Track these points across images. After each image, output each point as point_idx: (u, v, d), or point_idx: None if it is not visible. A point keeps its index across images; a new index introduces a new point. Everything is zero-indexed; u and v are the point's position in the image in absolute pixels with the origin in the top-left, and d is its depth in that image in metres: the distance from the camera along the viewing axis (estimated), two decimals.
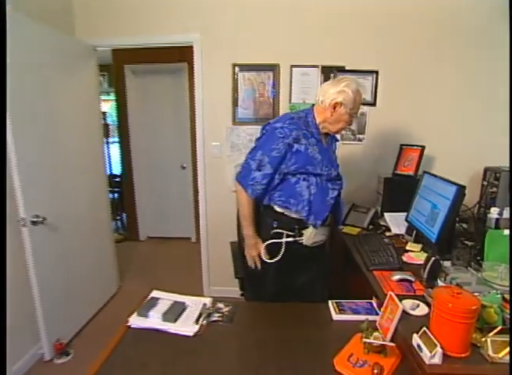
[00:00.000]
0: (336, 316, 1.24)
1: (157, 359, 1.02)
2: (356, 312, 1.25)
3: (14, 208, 1.82)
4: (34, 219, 1.89)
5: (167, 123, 4.02)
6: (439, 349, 0.86)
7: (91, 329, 2.43)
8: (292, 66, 2.43)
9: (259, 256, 1.56)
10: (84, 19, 2.52)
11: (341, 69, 2.40)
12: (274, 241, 1.52)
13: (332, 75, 2.40)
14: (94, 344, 2.22)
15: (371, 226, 2.13)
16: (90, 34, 2.52)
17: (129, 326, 1.17)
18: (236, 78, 2.46)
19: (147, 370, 0.98)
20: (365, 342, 0.99)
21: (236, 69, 2.45)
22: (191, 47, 2.47)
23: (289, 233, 1.52)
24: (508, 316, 0.98)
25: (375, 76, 2.40)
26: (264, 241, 1.55)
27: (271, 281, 1.59)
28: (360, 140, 2.50)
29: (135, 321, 1.18)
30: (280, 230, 1.52)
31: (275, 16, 2.38)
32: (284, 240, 1.52)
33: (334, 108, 1.47)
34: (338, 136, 1.78)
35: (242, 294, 2.00)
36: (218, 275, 2.82)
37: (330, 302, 1.32)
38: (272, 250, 1.54)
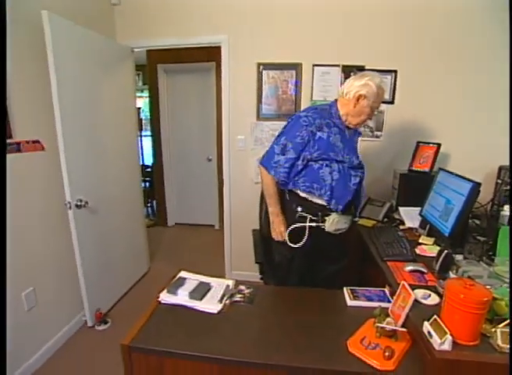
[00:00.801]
0: (350, 302, 1.24)
1: (184, 331, 1.06)
2: (369, 298, 1.24)
3: (61, 192, 1.91)
4: (78, 203, 1.97)
5: (195, 118, 4.06)
6: (449, 336, 0.85)
7: (126, 302, 2.53)
8: (314, 65, 2.39)
9: (283, 240, 1.56)
10: (123, 24, 2.57)
11: (361, 69, 2.34)
12: (297, 225, 1.52)
13: (352, 74, 2.35)
14: (128, 315, 2.32)
15: (385, 220, 2.10)
16: (128, 37, 2.57)
17: (159, 302, 1.21)
18: (260, 76, 2.45)
19: (175, 340, 1.02)
20: (378, 326, 0.98)
21: (261, 67, 2.44)
22: (219, 47, 2.48)
23: (313, 218, 1.52)
24: None
25: (393, 75, 2.32)
26: (289, 226, 1.55)
27: (295, 268, 1.60)
28: (377, 136, 2.44)
29: (165, 297, 1.22)
30: (304, 214, 1.52)
31: (298, 17, 2.34)
32: (307, 224, 1.51)
33: (357, 100, 1.48)
34: (361, 129, 1.79)
35: (261, 278, 2.02)
36: (239, 260, 2.86)
37: (345, 289, 1.32)
38: (296, 236, 1.54)
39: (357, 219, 2.07)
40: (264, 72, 2.44)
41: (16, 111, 1.68)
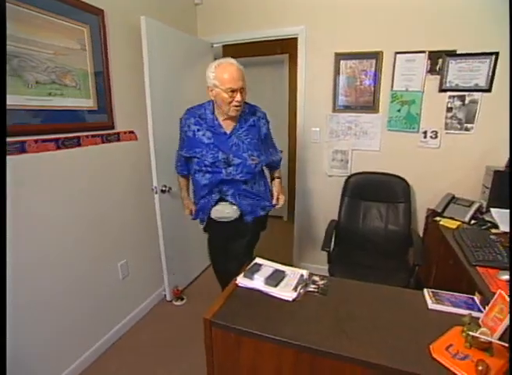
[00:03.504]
0: (432, 305, 1.15)
1: (260, 314, 1.10)
2: (455, 304, 1.13)
3: (150, 179, 2.12)
4: (163, 188, 2.16)
5: (267, 110, 4.04)
6: None
7: (200, 282, 2.72)
8: (396, 53, 2.21)
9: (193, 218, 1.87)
10: (204, 21, 2.70)
11: (451, 54, 2.10)
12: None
13: (440, 60, 2.12)
14: (202, 294, 2.50)
15: (473, 221, 1.88)
16: (208, 33, 2.69)
17: (237, 285, 1.27)
18: (338, 67, 2.35)
19: (253, 322, 1.06)
20: (469, 335, 0.89)
21: (338, 57, 2.34)
22: (293, 39, 2.45)
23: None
24: None
25: (493, 58, 2.03)
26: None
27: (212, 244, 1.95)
28: (467, 129, 2.17)
29: (242, 281, 1.28)
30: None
31: (377, 2, 2.18)
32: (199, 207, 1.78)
33: (211, 91, 1.53)
34: (260, 114, 1.84)
35: (329, 269, 2.00)
36: (308, 252, 2.85)
37: (425, 290, 1.23)
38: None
39: (438, 219, 1.90)
40: (342, 62, 2.34)
41: (117, 106, 1.90)
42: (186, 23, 2.59)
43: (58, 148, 1.55)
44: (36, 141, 1.44)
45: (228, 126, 1.61)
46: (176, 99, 2.28)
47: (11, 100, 1.32)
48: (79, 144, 1.66)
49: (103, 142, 1.81)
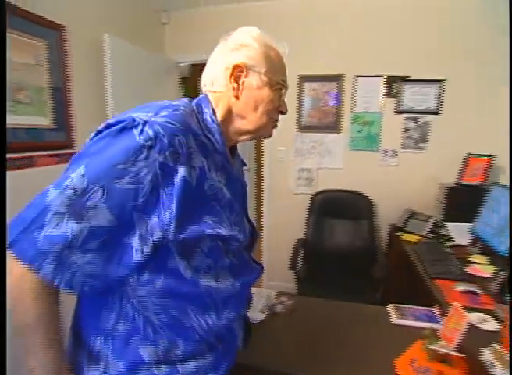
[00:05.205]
0: (396, 320, 1.19)
1: None
2: (418, 318, 1.18)
3: None
4: None
5: None
6: None
7: None
8: (356, 77, 2.37)
9: None
10: (171, 40, 2.73)
11: (405, 79, 2.28)
12: None
13: (396, 84, 2.29)
14: None
15: (431, 235, 2.00)
16: (175, 52, 2.72)
17: None
18: (302, 89, 2.47)
19: None
20: (429, 348, 0.93)
21: (302, 80, 2.45)
22: None
23: None
24: None
25: (441, 84, 2.23)
26: None
27: None
28: (422, 148, 2.34)
29: None
30: None
31: (339, 28, 2.34)
32: None
33: (237, 79, 0.70)
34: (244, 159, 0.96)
35: (297, 288, 2.01)
36: (276, 271, 2.84)
37: (389, 306, 1.27)
38: None
39: (399, 233, 1.99)
40: (305, 84, 2.45)
41: (79, 124, 1.83)
42: (153, 41, 2.60)
43: (9, 168, 1.46)
44: None
45: None
46: None
47: None
48: (31, 165, 1.57)
49: (59, 162, 1.72)
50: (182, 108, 0.65)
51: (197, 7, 2.58)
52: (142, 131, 0.56)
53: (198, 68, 4.28)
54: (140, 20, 2.40)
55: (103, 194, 0.54)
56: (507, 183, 1.62)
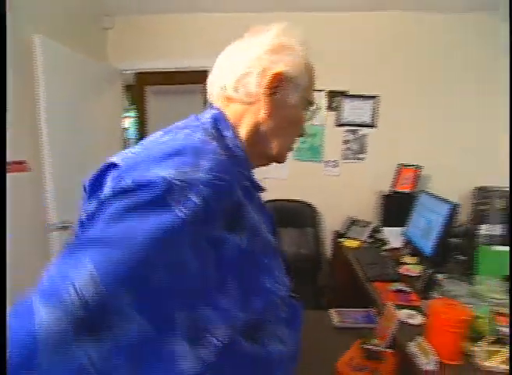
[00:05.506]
0: (337, 323, 1.25)
1: None
2: (357, 320, 1.26)
3: (44, 213, 1.88)
4: (65, 224, 1.94)
5: None
6: (434, 357, 0.87)
7: None
8: None
9: None
10: (115, 46, 2.62)
11: (345, 94, 2.45)
12: None
13: (337, 98, 2.46)
14: None
15: (370, 240, 2.14)
16: (119, 59, 2.61)
17: None
18: None
19: None
20: (364, 348, 1.00)
21: None
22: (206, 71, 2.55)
23: None
24: (498, 328, 0.99)
25: (375, 100, 2.44)
26: None
27: None
28: (360, 158, 2.52)
29: None
30: None
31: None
32: None
33: (273, 90, 0.54)
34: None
35: None
36: None
37: (331, 310, 1.33)
38: None
39: (342, 240, 2.11)
40: None
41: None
42: (94, 47, 2.48)
43: None
44: None
45: None
46: (78, 126, 2.12)
47: None
48: None
49: None
50: (214, 144, 0.47)
51: (145, 13, 2.51)
52: (184, 200, 0.37)
53: (144, 76, 4.18)
54: (77, 23, 2.28)
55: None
56: (432, 191, 1.81)
